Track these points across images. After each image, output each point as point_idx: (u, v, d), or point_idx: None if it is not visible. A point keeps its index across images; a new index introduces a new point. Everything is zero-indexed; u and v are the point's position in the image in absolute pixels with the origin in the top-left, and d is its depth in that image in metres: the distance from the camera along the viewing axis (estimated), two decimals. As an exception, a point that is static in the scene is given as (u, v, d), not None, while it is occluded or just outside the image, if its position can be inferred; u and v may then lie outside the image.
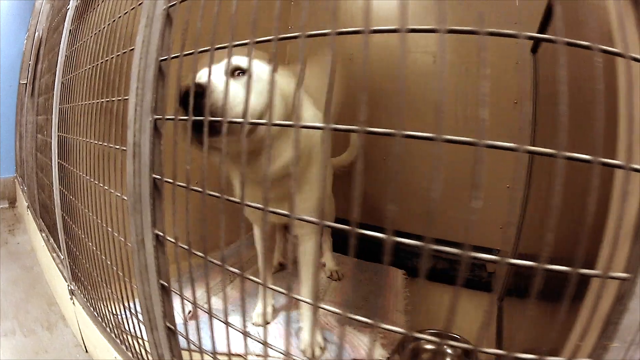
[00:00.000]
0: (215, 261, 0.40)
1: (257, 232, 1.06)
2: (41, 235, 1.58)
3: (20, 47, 2.40)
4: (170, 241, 0.46)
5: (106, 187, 0.64)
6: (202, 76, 0.61)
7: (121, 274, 0.64)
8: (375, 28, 0.32)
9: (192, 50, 0.40)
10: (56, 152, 1.12)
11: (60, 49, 1.05)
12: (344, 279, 1.42)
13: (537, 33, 1.15)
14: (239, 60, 0.67)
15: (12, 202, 2.61)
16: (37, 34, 1.55)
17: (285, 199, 0.80)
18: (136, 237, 0.53)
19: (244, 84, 0.66)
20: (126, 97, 0.55)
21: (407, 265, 1.51)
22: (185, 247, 0.43)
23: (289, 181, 0.74)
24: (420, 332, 1.12)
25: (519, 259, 0.30)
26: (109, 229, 0.65)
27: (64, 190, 1.06)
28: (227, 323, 0.43)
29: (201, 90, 0.49)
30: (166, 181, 0.45)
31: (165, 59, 0.47)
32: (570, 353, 0.42)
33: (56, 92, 1.09)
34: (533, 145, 0.30)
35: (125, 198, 0.55)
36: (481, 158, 0.32)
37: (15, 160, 2.50)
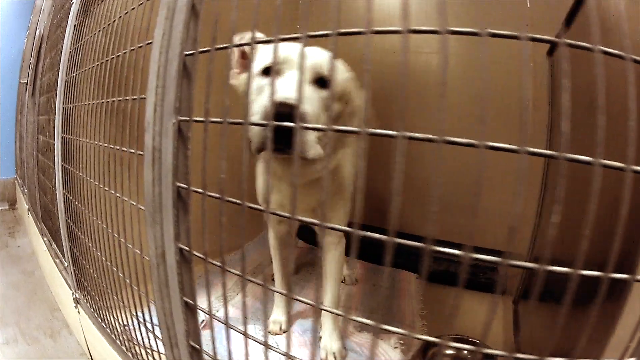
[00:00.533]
0: (257, 281, 0.35)
1: (272, 239, 1.01)
2: (43, 239, 1.51)
3: (20, 46, 2.32)
4: (200, 257, 0.41)
5: (118, 195, 0.59)
6: (285, 90, 0.54)
7: (136, 287, 0.59)
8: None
9: (227, 45, 0.35)
10: (59, 154, 1.05)
11: (64, 46, 0.98)
12: (357, 283, 1.37)
13: (559, 37, 1.11)
14: (321, 66, 0.61)
15: (12, 203, 2.54)
16: (38, 31, 1.48)
17: (314, 210, 0.76)
18: (155, 250, 0.48)
19: (326, 97, 0.61)
20: (143, 97, 0.49)
21: (418, 269, 1.46)
22: (219, 264, 0.38)
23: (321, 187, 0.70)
24: (440, 337, 1.08)
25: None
26: (122, 240, 0.59)
27: (68, 195, 1.00)
28: (266, 345, 0.38)
29: (289, 111, 0.46)
30: (194, 191, 0.40)
31: (191, 54, 0.41)
32: (620, 354, 0.39)
33: (59, 91, 1.03)
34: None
35: (142, 207, 0.50)
36: (562, 171, 0.28)
37: (15, 161, 2.43)
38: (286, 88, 0.54)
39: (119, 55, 0.59)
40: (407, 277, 1.44)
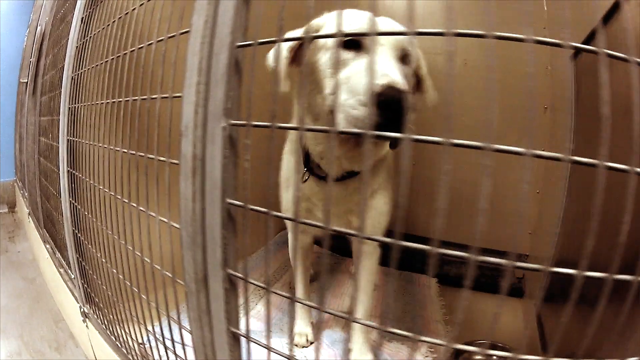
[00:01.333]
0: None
1: (294, 250, 0.92)
2: (45, 246, 1.41)
3: (20, 45, 2.20)
4: (261, 286, 0.33)
5: (142, 209, 0.50)
6: (386, 70, 0.49)
7: (164, 313, 0.50)
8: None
9: (301, 36, 0.27)
10: (65, 158, 0.96)
11: (70, 41, 0.89)
12: (377, 288, 1.30)
13: (583, 42, 1.05)
14: (404, 42, 0.57)
15: (12, 206, 2.42)
16: (39, 28, 1.37)
17: (351, 212, 0.68)
18: (195, 275, 0.40)
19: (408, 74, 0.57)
20: (176, 95, 0.41)
21: (438, 273, 1.41)
22: (287, 295, 0.30)
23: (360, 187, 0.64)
24: (470, 343, 1.04)
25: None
26: (146, 259, 0.51)
27: (75, 204, 0.91)
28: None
29: (398, 96, 0.43)
30: (255, 210, 0.31)
31: (247, 45, 0.33)
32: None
33: (65, 90, 0.93)
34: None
35: (176, 225, 0.41)
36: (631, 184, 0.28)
37: (14, 162, 2.31)
38: (386, 69, 0.48)
39: (141, 47, 0.50)
40: (426, 282, 1.37)
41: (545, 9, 1.41)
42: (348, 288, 1.29)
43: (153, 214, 0.46)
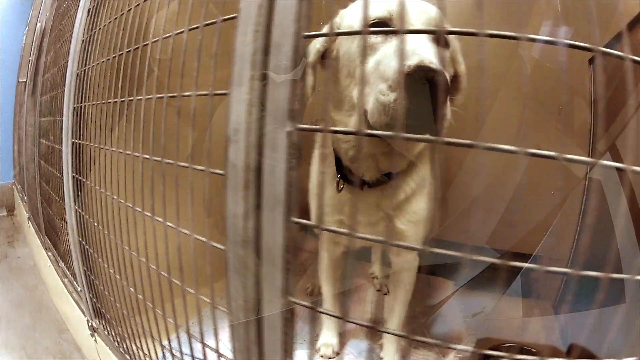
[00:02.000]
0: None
1: (325, 261, 0.85)
2: (46, 254, 1.33)
3: (20, 44, 2.10)
4: (337, 317, 0.27)
5: (169, 224, 0.43)
6: (419, 49, 0.42)
7: (198, 340, 0.43)
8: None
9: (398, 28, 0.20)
10: (69, 163, 0.88)
11: (74, 35, 0.81)
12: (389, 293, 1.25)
13: (606, 46, 1.01)
14: (438, 23, 0.50)
15: (11, 210, 2.31)
16: (39, 25, 1.28)
17: (389, 218, 0.62)
18: (244, 303, 0.33)
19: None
20: (220, 92, 0.34)
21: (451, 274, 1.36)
22: (365, 324, 0.24)
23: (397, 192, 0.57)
24: (496, 347, 1.00)
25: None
26: (176, 281, 0.44)
27: (81, 212, 0.83)
28: None
29: (432, 76, 0.37)
30: (329, 230, 0.23)
31: (318, 35, 0.26)
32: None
33: (68, 88, 0.85)
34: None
35: (220, 247, 0.35)
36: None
37: (13, 165, 2.20)
38: (417, 47, 0.41)
39: (168, 37, 0.43)
40: (442, 284, 1.32)
41: (559, 9, 1.37)
42: (369, 294, 1.24)
43: (187, 232, 0.40)
